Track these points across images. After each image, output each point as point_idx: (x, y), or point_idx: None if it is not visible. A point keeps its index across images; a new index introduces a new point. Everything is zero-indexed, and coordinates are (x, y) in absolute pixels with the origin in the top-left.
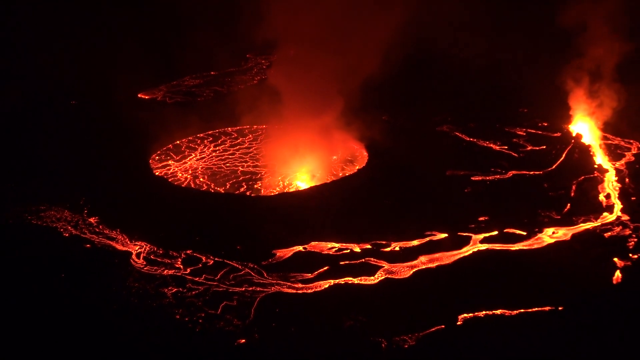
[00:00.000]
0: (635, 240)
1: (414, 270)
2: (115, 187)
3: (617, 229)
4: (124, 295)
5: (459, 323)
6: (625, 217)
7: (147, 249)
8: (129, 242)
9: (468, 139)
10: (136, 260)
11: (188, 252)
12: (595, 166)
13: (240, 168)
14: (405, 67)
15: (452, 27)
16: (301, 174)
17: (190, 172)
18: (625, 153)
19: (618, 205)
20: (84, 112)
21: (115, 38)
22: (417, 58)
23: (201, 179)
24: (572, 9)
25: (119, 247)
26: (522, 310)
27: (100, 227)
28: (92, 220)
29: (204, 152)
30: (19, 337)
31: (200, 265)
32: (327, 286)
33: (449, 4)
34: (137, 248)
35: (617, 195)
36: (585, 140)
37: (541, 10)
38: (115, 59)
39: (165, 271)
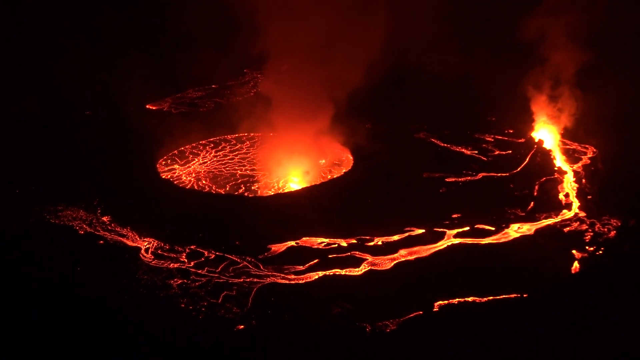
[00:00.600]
0: (591, 234)
1: (394, 262)
2: (125, 189)
3: (575, 225)
4: (134, 287)
5: (435, 309)
6: (582, 214)
7: (155, 244)
8: (138, 238)
9: (442, 145)
10: (145, 254)
11: (192, 247)
12: (556, 168)
13: (238, 171)
14: (386, 80)
15: (427, 45)
16: (294, 176)
17: (193, 175)
18: (582, 157)
19: (576, 203)
20: (97, 122)
21: (125, 55)
22: (397, 72)
23: (203, 182)
24: (534, 21)
25: (130, 243)
26: (490, 298)
27: (112, 225)
28: (105, 219)
29: (206, 157)
30: (40, 323)
31: (203, 259)
32: (317, 277)
33: (424, 24)
34: (145, 244)
35: (575, 195)
36: (547, 145)
37: (505, 24)
38: (125, 73)
39: (172, 264)
